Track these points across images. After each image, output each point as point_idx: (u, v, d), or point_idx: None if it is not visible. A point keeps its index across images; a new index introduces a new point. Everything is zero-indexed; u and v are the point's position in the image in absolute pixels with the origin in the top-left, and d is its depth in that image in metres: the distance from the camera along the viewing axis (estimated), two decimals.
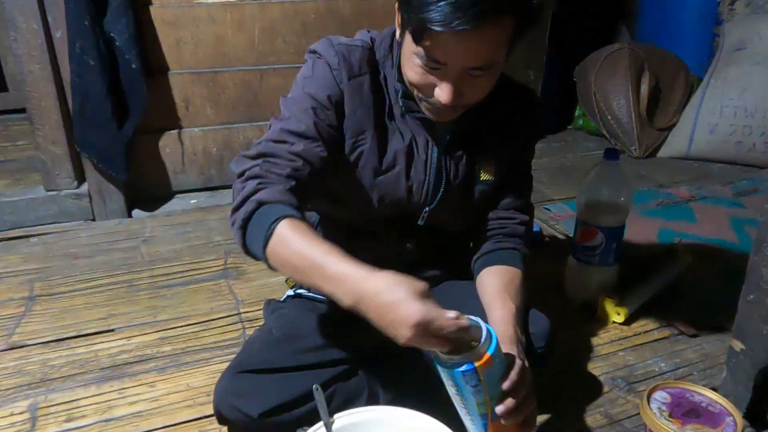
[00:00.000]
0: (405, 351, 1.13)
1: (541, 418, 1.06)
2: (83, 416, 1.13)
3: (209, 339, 1.36)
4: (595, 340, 1.33)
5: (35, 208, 1.94)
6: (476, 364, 0.74)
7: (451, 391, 0.79)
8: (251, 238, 0.86)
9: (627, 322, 1.38)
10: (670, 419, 0.88)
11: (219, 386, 1.02)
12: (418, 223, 1.08)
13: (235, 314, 1.46)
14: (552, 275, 1.53)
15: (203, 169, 2.20)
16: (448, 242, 1.18)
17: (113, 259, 1.75)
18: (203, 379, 1.21)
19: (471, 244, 1.17)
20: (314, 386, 0.95)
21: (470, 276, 1.14)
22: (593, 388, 1.16)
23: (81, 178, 1.99)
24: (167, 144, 2.11)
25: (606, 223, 1.37)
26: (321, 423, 0.92)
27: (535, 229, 1.91)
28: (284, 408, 0.99)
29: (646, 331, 1.36)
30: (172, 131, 2.10)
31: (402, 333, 0.72)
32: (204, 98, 2.10)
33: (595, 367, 1.23)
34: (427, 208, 1.05)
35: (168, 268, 1.70)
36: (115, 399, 1.17)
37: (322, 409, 0.93)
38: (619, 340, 1.33)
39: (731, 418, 0.88)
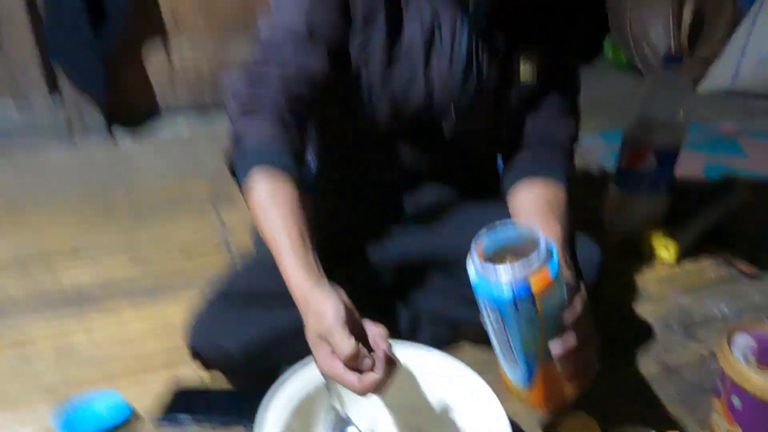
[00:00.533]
0: (421, 280, 0.98)
1: None
2: (34, 344, 0.95)
3: (191, 268, 1.17)
4: (640, 280, 1.13)
5: (3, 125, 1.73)
6: (534, 287, 0.55)
7: (492, 320, 0.60)
8: (239, 178, 0.76)
9: (677, 260, 1.18)
10: (761, 368, 0.69)
11: (195, 317, 0.85)
12: (443, 135, 0.87)
13: (222, 244, 1.27)
14: (586, 210, 1.32)
15: (194, 88, 1.97)
16: (473, 157, 0.97)
17: (89, 182, 1.56)
18: (181, 314, 1.01)
19: (502, 159, 0.96)
20: None
21: (496, 197, 0.94)
22: (643, 333, 0.98)
23: (55, 89, 1.77)
24: (152, 59, 1.88)
25: (661, 143, 1.15)
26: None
27: None
28: (271, 345, 0.81)
29: (701, 271, 1.16)
30: (158, 44, 1.87)
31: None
32: (194, 6, 1.85)
33: (643, 310, 1.04)
34: (452, 117, 0.84)
35: (150, 192, 1.50)
36: (74, 329, 0.99)
37: None
38: (669, 280, 1.14)
39: None
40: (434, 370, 0.75)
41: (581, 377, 0.64)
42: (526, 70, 0.86)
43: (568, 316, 0.59)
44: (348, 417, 0.74)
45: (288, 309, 0.83)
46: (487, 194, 0.98)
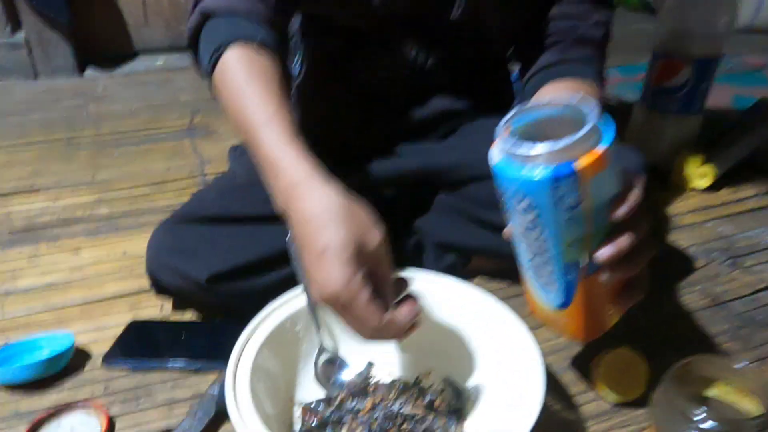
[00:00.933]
0: (425, 201, 0.80)
1: None
2: None
3: (161, 202, 1.03)
4: (672, 209, 0.99)
5: None
6: (581, 165, 0.41)
7: (521, 219, 0.46)
8: (201, 59, 0.60)
9: (712, 187, 1.04)
10: None
11: (154, 239, 0.71)
12: (449, 18, 0.71)
13: (197, 175, 1.13)
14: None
15: (170, 24, 1.80)
16: (484, 58, 0.82)
17: (52, 116, 1.41)
18: (145, 246, 0.89)
19: (519, 64, 0.81)
20: (288, 238, 0.62)
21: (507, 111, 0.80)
22: (684, 262, 0.84)
23: (16, 23, 1.60)
24: None
25: (698, 52, 1.00)
26: (299, 288, 0.60)
27: None
28: (244, 271, 0.67)
29: (740, 200, 1.02)
30: None
31: (313, 291, 0.48)
32: None
33: (679, 239, 0.90)
34: None
35: (119, 126, 1.35)
36: (23, 266, 0.85)
37: (301, 269, 0.61)
38: (705, 208, 1.00)
39: None
40: (447, 298, 0.61)
41: (629, 296, 0.50)
42: None
43: (623, 211, 0.45)
44: (342, 358, 0.61)
45: (264, 232, 0.70)
46: (502, 108, 0.84)
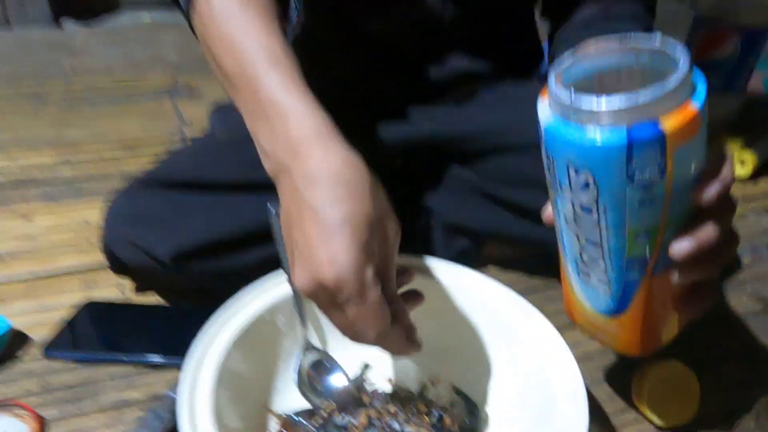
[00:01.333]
0: (435, 173, 0.68)
1: None
2: None
3: (132, 167, 0.91)
4: None
5: None
6: (666, 125, 0.30)
7: (572, 198, 0.35)
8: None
9: (754, 175, 0.93)
10: None
11: (113, 207, 0.59)
12: None
13: (176, 140, 1.01)
14: None
15: None
16: (509, 13, 0.70)
17: (22, 69, 1.27)
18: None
19: (548, 22, 0.70)
20: (268, 205, 0.51)
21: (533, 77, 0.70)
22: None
23: None
24: None
25: (748, 21, 0.88)
26: (281, 272, 0.49)
27: None
28: (217, 249, 0.56)
29: None
30: None
31: (306, 272, 0.36)
32: None
33: None
34: None
35: (94, 82, 1.22)
36: None
37: (284, 247, 0.50)
38: (745, 198, 0.89)
39: None
40: (459, 291, 0.50)
41: (698, 302, 0.40)
42: None
43: (712, 192, 0.34)
44: (333, 360, 0.50)
45: (243, 202, 0.58)
46: (526, 74, 0.73)
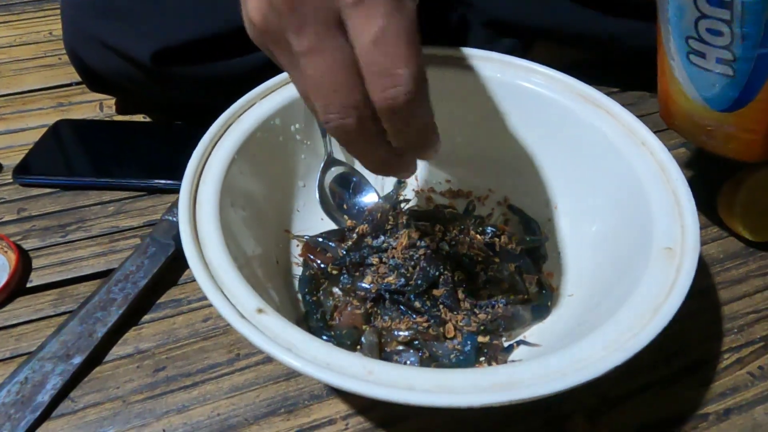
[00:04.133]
0: None
1: None
2: None
3: None
4: None
5: None
6: None
7: None
8: None
9: None
10: None
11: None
12: None
13: None
14: None
15: None
16: None
17: None
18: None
19: None
20: None
21: None
22: None
23: None
24: None
25: None
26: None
27: None
28: (209, 46, 0.45)
29: None
30: None
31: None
32: None
33: None
34: None
35: None
36: None
37: None
38: None
39: None
40: (512, 84, 0.40)
41: None
42: None
43: None
44: (361, 174, 0.42)
45: None
46: None
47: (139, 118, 0.53)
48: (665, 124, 0.39)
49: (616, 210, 0.35)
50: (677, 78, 0.33)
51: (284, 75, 0.39)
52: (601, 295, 0.32)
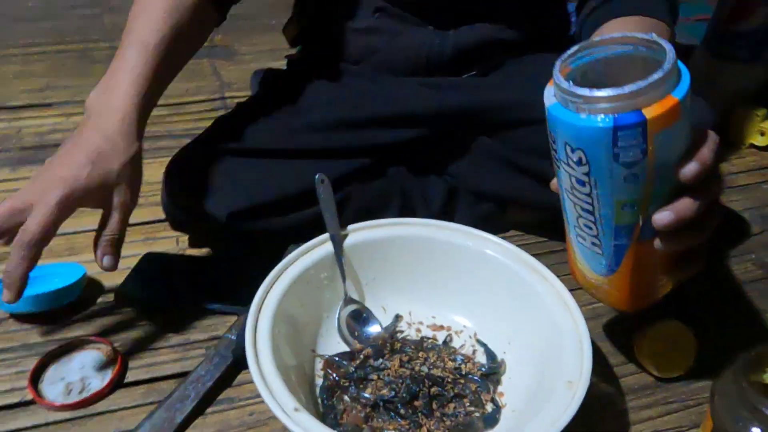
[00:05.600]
0: (461, 143, 0.72)
1: None
2: None
3: (179, 125, 0.98)
4: (726, 168, 0.92)
5: None
6: (648, 114, 0.35)
7: (571, 173, 0.41)
8: None
9: None
10: None
11: (173, 170, 0.66)
12: None
13: (217, 98, 1.06)
14: None
15: None
16: None
17: (67, 25, 1.33)
18: (162, 173, 0.84)
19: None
20: (317, 176, 0.57)
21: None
22: (737, 227, 0.78)
23: None
24: None
25: None
26: (326, 235, 0.56)
27: None
28: (268, 209, 0.63)
29: None
30: None
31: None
32: None
33: (733, 201, 0.84)
34: None
35: None
36: None
37: (329, 212, 0.56)
38: (762, 168, 0.92)
39: None
40: (483, 253, 0.56)
41: (684, 267, 0.45)
42: None
43: (692, 171, 0.38)
44: (369, 311, 0.57)
45: (290, 167, 0.64)
46: (554, 44, 0.75)
47: (206, 250, 0.71)
48: (574, 279, 0.53)
49: (545, 351, 0.50)
50: (573, 248, 0.49)
51: (319, 238, 0.56)
52: (530, 413, 0.46)
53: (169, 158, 0.68)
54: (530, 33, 0.74)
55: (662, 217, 0.40)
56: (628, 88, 0.35)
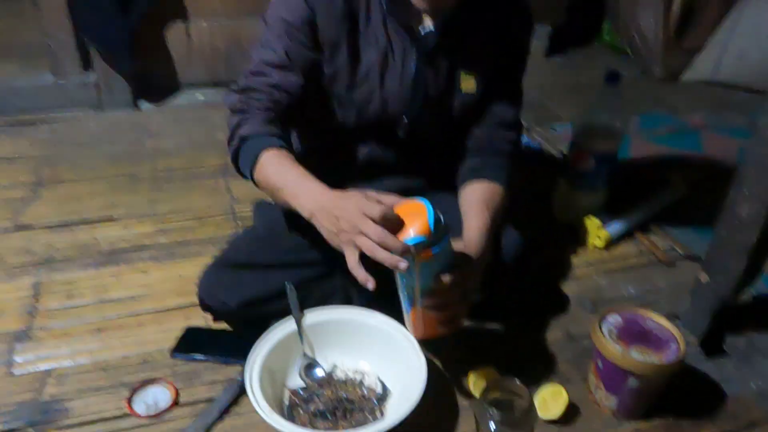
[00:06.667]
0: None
1: (501, 326, 1.14)
2: (81, 295, 1.22)
3: (203, 234, 1.43)
4: (574, 261, 1.36)
5: (43, 94, 1.96)
6: (416, 256, 0.78)
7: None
8: (242, 167, 0.96)
9: (609, 247, 1.40)
10: (618, 341, 0.93)
11: (204, 277, 1.09)
12: (399, 135, 1.08)
13: (230, 212, 1.52)
14: (545, 194, 1.54)
15: (210, 64, 2.18)
16: (432, 153, 1.18)
17: (118, 150, 1.80)
18: (194, 271, 1.27)
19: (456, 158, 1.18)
20: (286, 283, 1.01)
21: (454, 189, 1.16)
22: (560, 307, 1.21)
23: (88, 65, 2.00)
24: (174, 36, 2.09)
25: (599, 148, 1.36)
26: (292, 316, 0.99)
27: (536, 146, 1.90)
28: (261, 301, 1.06)
29: (625, 258, 1.39)
30: (179, 25, 2.07)
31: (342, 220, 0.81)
32: None
33: (567, 287, 1.27)
34: (405, 120, 1.06)
35: (170, 162, 1.74)
36: (111, 282, 1.26)
37: (293, 304, 1.00)
38: (596, 263, 1.36)
39: (676, 344, 0.92)
40: (379, 327, 1.00)
41: (447, 325, 0.91)
42: (467, 82, 1.07)
43: (440, 282, 0.83)
44: (315, 360, 1.01)
45: (275, 274, 1.09)
46: (449, 186, 1.20)
47: (223, 324, 1.14)
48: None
49: (406, 377, 0.93)
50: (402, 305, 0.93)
51: (287, 318, 1.00)
52: (399, 408, 0.89)
53: (198, 258, 1.11)
54: (432, 181, 1.20)
55: (423, 300, 0.85)
56: (413, 248, 0.79)
